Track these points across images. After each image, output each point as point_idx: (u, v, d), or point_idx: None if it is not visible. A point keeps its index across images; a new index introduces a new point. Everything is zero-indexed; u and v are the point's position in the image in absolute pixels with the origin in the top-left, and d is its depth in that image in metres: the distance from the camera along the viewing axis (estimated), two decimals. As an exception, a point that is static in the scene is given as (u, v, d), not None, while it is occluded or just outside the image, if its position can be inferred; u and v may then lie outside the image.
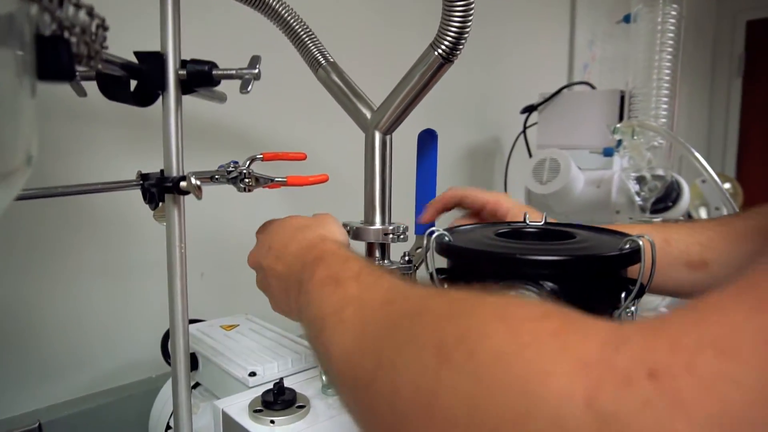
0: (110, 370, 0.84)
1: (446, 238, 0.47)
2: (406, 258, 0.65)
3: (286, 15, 0.64)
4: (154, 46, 0.45)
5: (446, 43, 0.53)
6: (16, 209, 0.73)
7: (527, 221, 0.55)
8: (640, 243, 0.42)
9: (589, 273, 0.42)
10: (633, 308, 0.43)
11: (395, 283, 0.35)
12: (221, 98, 0.59)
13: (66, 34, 0.29)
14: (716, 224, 0.66)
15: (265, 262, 0.50)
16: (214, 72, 0.45)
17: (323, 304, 0.37)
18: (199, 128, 0.85)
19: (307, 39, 0.66)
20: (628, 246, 0.43)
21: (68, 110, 0.75)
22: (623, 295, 0.42)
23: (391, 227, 0.62)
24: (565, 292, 0.41)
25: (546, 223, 0.55)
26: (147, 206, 0.80)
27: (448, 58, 0.54)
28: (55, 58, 0.28)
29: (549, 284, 0.41)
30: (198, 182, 0.43)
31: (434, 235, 0.46)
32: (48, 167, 0.74)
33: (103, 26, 0.32)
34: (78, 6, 0.29)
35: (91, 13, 0.31)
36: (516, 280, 0.41)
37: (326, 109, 0.74)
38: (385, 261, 0.64)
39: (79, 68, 0.33)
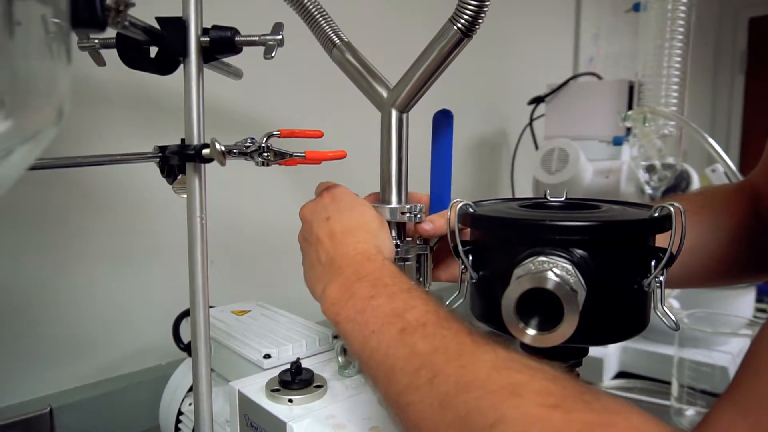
0: (120, 356, 0.83)
1: (471, 209, 0.46)
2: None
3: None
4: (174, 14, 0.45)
5: (466, 16, 0.52)
6: (25, 193, 0.72)
7: (548, 197, 0.55)
8: (671, 209, 0.41)
9: (620, 239, 0.41)
10: (662, 278, 0.43)
11: (461, 344, 0.35)
12: (237, 74, 0.58)
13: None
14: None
15: (319, 229, 0.51)
16: (236, 38, 0.45)
17: (390, 351, 0.38)
18: (211, 109, 0.85)
19: (321, 18, 0.65)
20: (657, 213, 0.42)
21: (75, 93, 0.74)
22: (653, 263, 0.42)
23: (407, 206, 0.61)
24: (594, 259, 0.41)
25: (567, 198, 0.54)
26: (155, 192, 0.80)
27: (467, 33, 0.54)
28: (89, 5, 0.27)
29: (579, 252, 0.41)
30: (222, 147, 0.42)
31: (459, 206, 0.46)
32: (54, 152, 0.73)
33: (132, -22, 0.31)
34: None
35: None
36: (545, 247, 0.40)
37: (340, 90, 0.74)
38: (401, 241, 0.63)
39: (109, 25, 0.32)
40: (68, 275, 0.77)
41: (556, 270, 0.37)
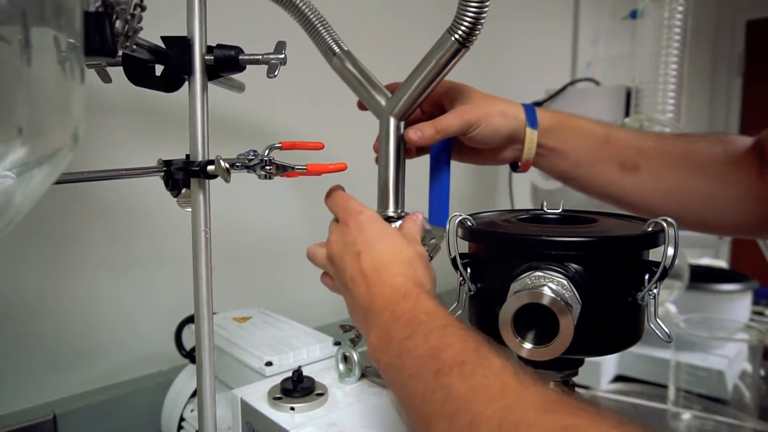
0: (122, 363, 0.84)
1: (469, 222, 0.47)
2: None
3: (300, 3, 0.64)
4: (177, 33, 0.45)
5: (463, 28, 0.53)
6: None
7: (545, 208, 0.56)
8: (664, 225, 0.42)
9: (614, 254, 0.42)
10: (655, 290, 0.44)
11: (504, 384, 0.32)
12: (240, 87, 0.59)
13: (109, 11, 0.29)
14: (659, 139, 0.71)
15: (352, 268, 0.48)
16: (240, 57, 0.46)
17: (426, 396, 0.35)
18: (213, 117, 0.86)
19: (321, 28, 0.66)
20: (651, 228, 0.43)
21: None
22: (646, 276, 0.43)
23: (404, 214, 0.62)
24: (589, 274, 0.42)
25: (563, 210, 0.55)
26: (156, 199, 0.81)
27: (464, 44, 0.55)
28: (100, 33, 0.28)
29: (574, 266, 0.42)
30: (227, 165, 0.43)
31: (457, 220, 0.47)
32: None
33: (140, 5, 0.32)
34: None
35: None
36: (541, 262, 0.41)
37: (340, 100, 0.74)
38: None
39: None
40: (70, 282, 0.77)
41: (551, 285, 0.38)
